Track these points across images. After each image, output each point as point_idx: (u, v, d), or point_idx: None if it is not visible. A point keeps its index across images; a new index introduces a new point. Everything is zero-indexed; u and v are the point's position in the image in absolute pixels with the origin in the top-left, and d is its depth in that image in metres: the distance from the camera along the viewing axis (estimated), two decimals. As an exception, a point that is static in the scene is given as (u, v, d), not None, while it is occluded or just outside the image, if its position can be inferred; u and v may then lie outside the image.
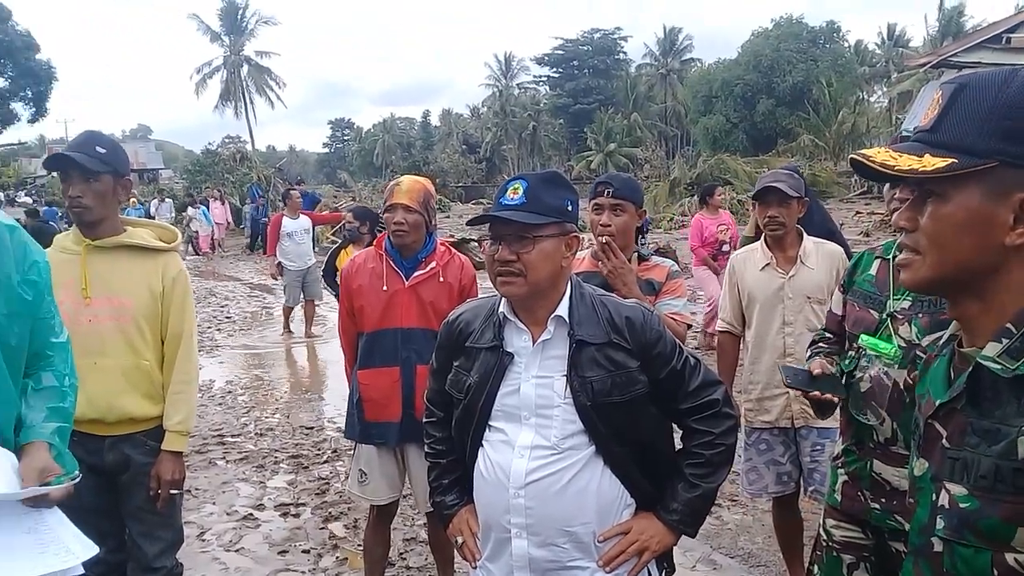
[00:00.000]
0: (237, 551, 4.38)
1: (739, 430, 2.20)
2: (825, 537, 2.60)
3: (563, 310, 2.04)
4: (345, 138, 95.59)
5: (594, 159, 53.22)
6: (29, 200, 21.71)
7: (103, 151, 2.74)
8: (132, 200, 20.81)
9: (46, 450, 1.83)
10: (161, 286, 2.84)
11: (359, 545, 4.32)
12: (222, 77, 60.12)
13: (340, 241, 7.64)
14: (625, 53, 68.61)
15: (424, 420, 2.39)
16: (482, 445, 2.11)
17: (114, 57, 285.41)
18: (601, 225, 3.02)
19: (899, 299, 2.46)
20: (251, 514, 4.85)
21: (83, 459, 2.72)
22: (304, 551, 4.36)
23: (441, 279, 3.35)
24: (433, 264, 3.36)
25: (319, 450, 6.12)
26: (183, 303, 2.90)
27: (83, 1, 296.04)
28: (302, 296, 10.65)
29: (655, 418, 2.10)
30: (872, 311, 2.52)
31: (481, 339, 2.12)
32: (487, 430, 2.10)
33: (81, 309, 2.74)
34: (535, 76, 72.44)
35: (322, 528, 4.64)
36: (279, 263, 10.46)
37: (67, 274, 2.74)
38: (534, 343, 2.05)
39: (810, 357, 2.74)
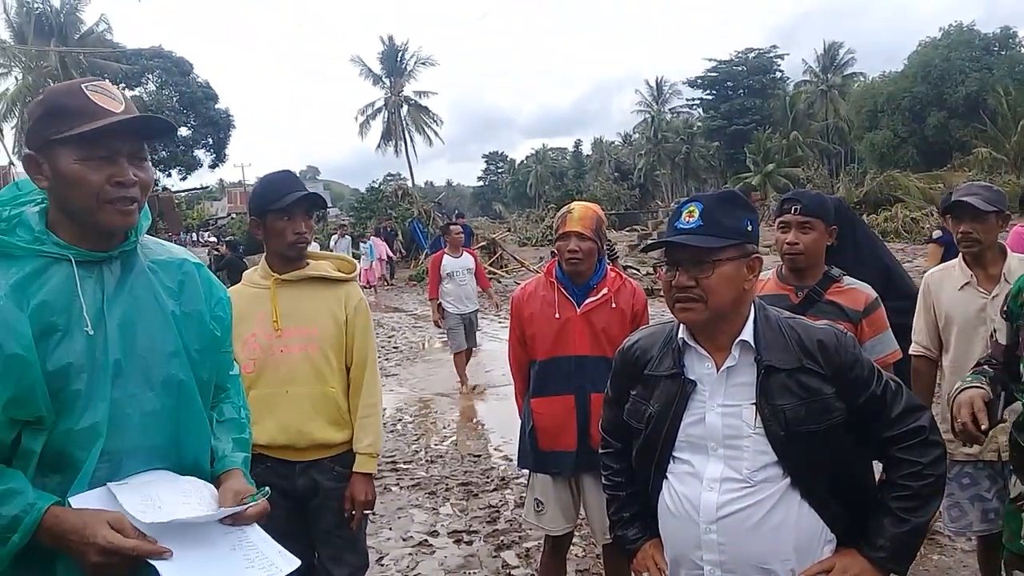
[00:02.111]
0: (414, 577, 4.45)
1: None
2: None
3: (748, 334, 1.95)
4: (499, 171, 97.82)
5: (752, 180, 51.83)
6: (214, 239, 23.23)
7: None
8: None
9: (240, 475, 1.90)
10: (344, 315, 2.93)
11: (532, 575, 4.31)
12: (383, 118, 62.88)
13: None
14: (782, 71, 66.75)
15: (601, 451, 2.33)
16: (667, 477, 2.03)
17: (285, 103, 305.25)
18: (788, 244, 2.90)
19: None
20: (426, 540, 4.93)
21: (275, 484, 2.82)
22: (479, 579, 4.38)
23: (613, 305, 3.30)
24: (605, 290, 3.32)
25: (487, 478, 6.18)
26: (365, 330, 2.98)
27: (256, 52, 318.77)
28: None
29: (854, 447, 1.97)
30: None
31: (660, 367, 2.04)
32: (671, 461, 2.02)
33: (273, 340, 2.87)
34: (688, 100, 71.65)
35: (495, 556, 4.65)
36: (440, 305, 9.34)
37: (259, 307, 2.89)
38: (718, 370, 1.96)
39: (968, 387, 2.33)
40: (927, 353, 3.42)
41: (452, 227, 10.45)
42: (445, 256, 9.52)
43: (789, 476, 1.90)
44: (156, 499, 1.63)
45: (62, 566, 1.62)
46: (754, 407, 1.91)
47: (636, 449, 2.10)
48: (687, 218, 1.93)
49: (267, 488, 1.83)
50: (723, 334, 1.96)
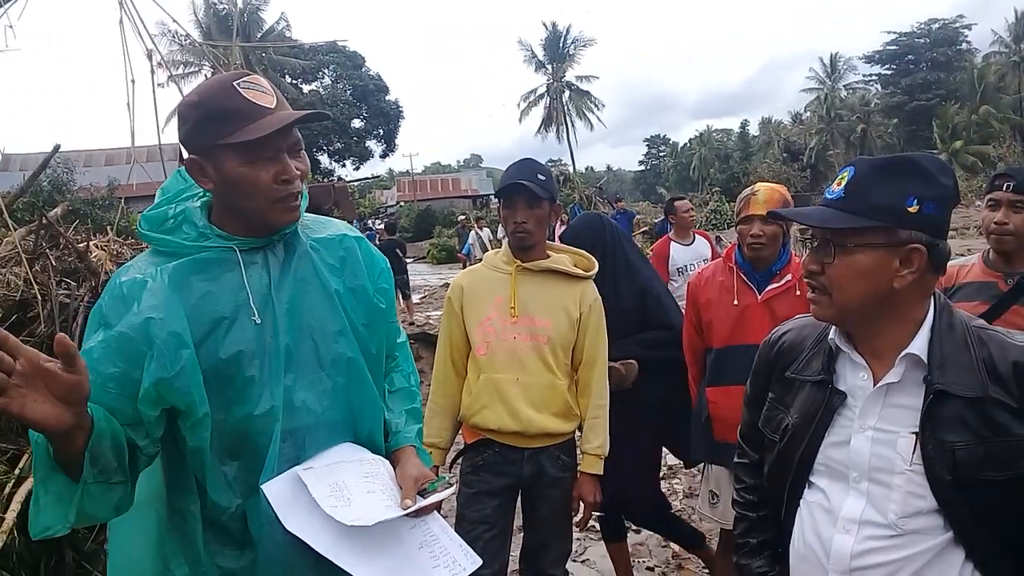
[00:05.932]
0: (583, 562, 4.46)
1: None
2: None
3: (919, 346, 1.56)
4: (661, 154, 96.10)
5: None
6: (382, 226, 24.24)
7: (543, 178, 2.87)
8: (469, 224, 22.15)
9: (416, 455, 1.88)
10: (578, 312, 2.91)
11: (703, 567, 4.21)
12: (545, 104, 63.15)
13: None
14: (969, 42, 61.72)
15: (735, 460, 2.05)
16: (799, 505, 1.74)
17: (450, 92, 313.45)
18: (996, 223, 2.64)
19: None
20: (594, 526, 4.90)
21: (502, 469, 2.88)
22: (648, 568, 4.34)
23: (797, 293, 3.14)
24: (788, 277, 3.17)
25: (654, 466, 6.07)
26: (597, 330, 2.95)
27: (424, 43, 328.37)
28: None
29: None
30: None
31: (806, 369, 1.74)
32: (806, 487, 1.72)
33: (507, 326, 2.87)
34: (864, 75, 67.64)
35: (664, 546, 4.58)
36: None
37: (498, 291, 2.91)
38: (875, 383, 1.61)
39: None
40: None
41: (678, 202, 7.23)
42: (672, 243, 6.88)
43: (952, 530, 1.53)
44: (344, 489, 1.63)
45: (253, 525, 1.65)
46: (914, 437, 1.54)
47: (768, 466, 1.82)
48: (835, 186, 1.59)
49: (445, 476, 1.82)
50: (881, 339, 1.61)
